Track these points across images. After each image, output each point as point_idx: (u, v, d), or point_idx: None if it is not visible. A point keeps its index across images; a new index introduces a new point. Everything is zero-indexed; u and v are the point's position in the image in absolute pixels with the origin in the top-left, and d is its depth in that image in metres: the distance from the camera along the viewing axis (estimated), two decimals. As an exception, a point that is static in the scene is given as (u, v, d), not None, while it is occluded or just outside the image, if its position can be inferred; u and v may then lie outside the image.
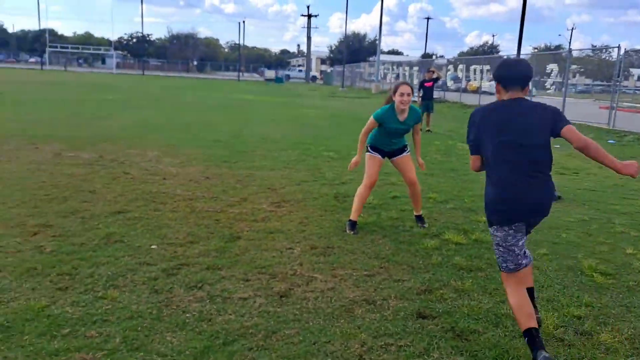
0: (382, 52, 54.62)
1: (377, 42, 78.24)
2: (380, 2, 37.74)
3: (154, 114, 15.30)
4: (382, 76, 44.58)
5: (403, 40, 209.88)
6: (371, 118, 5.12)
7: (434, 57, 64.33)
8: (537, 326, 2.72)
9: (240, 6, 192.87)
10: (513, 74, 2.82)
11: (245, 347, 2.81)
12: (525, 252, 2.90)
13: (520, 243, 2.85)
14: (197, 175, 7.08)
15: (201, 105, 19.96)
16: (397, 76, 41.20)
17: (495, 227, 2.86)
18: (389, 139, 5.16)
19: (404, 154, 5.24)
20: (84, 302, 3.21)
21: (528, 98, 2.92)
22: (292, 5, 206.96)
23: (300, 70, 76.67)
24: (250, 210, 5.50)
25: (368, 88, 47.26)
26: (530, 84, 2.93)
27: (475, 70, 28.56)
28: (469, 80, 31.30)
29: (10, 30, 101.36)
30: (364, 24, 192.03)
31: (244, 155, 8.87)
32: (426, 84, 14.35)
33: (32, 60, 79.75)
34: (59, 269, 3.64)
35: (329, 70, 79.74)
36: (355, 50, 69.61)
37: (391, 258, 4.27)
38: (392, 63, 49.02)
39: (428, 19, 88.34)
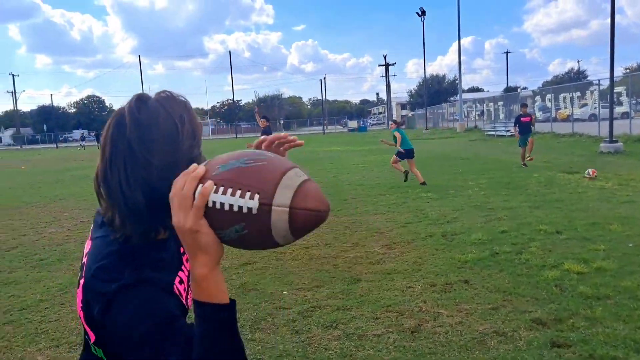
0: (463, 91, 54.32)
1: (456, 81, 77.83)
2: (457, 42, 38.04)
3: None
4: (465, 114, 44.05)
5: (482, 77, 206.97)
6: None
7: (518, 89, 62.73)
8: None
9: (319, 64, 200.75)
10: None
11: (390, 378, 3.01)
12: None
13: None
14: (306, 225, 7.48)
15: (293, 160, 20.81)
16: (482, 113, 40.56)
17: None
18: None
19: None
20: (237, 343, 3.58)
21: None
22: (367, 57, 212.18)
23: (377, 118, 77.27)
24: (364, 253, 5.76)
25: (452, 127, 46.83)
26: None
27: (564, 98, 27.56)
28: (559, 109, 30.16)
29: (115, 107, 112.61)
30: (441, 66, 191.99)
31: (345, 202, 9.23)
32: (523, 119, 14.26)
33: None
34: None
35: (410, 114, 79.92)
36: (435, 92, 69.64)
37: (512, 291, 4.32)
38: (475, 100, 48.46)
39: (507, 52, 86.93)
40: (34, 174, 20.77)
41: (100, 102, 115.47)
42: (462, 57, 42.50)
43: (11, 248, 6.90)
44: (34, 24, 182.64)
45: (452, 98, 68.82)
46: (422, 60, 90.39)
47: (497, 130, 30.63)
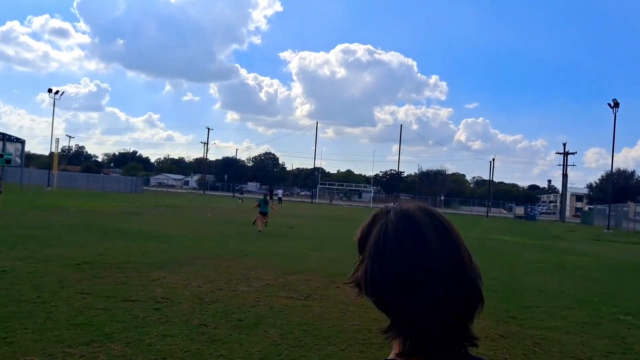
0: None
1: (648, 178, 69.90)
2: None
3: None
4: (659, 218, 39.01)
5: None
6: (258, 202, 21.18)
7: None
8: None
9: (488, 143, 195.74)
10: None
11: None
12: None
13: None
14: (490, 331, 7.11)
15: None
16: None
17: None
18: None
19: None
20: None
21: None
22: (541, 141, 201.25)
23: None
24: (562, 383, 5.28)
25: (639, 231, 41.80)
26: None
27: None
28: None
29: (288, 169, 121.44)
30: (626, 158, 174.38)
31: (528, 311, 8.61)
32: None
33: (302, 193, 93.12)
34: None
35: (585, 208, 73.39)
36: (620, 189, 63.11)
37: None
38: (671, 203, 42.92)
39: None
40: (219, 224, 23.03)
41: (274, 159, 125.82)
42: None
43: (212, 302, 7.63)
44: (230, 84, 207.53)
45: (640, 197, 61.79)
46: (604, 150, 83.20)
47: (701, 244, 26.51)
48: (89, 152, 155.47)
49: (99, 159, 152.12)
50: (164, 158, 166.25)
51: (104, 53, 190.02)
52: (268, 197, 22.93)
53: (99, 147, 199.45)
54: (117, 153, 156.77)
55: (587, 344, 6.86)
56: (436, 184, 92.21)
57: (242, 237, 17.68)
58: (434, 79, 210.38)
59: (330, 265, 12.17)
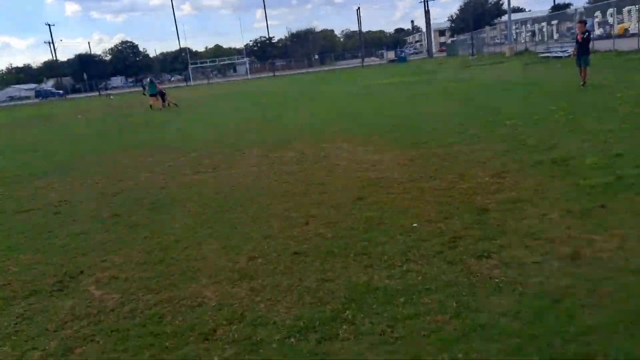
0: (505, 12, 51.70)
1: (500, 2, 73.92)
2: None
3: (313, 109, 16.12)
4: (514, 37, 42.02)
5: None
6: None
7: (572, 7, 59.00)
8: None
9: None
10: None
11: (576, 304, 2.95)
12: None
13: None
14: (399, 159, 7.38)
15: (349, 96, 20.58)
16: (533, 34, 38.60)
17: None
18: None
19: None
20: (397, 275, 3.59)
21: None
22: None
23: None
24: (476, 184, 5.64)
25: (499, 52, 44.94)
26: None
27: (630, 11, 25.64)
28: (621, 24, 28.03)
29: (151, 55, 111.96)
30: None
31: (429, 134, 9.02)
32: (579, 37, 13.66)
33: (173, 79, 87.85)
34: (353, 250, 4.09)
35: (449, 41, 76.95)
36: (478, 16, 66.36)
37: (661, 214, 4.16)
38: (520, 21, 46.13)
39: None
40: (97, 123, 21.25)
41: (134, 47, 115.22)
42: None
43: (117, 193, 7.10)
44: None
45: (495, 21, 65.62)
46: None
47: (552, 52, 29.17)
48: None
49: None
50: (7, 69, 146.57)
51: None
52: (152, 79, 27.04)
53: None
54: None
55: (487, 148, 7.36)
56: (308, 44, 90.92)
57: (127, 131, 16.49)
58: None
59: (229, 137, 11.81)
